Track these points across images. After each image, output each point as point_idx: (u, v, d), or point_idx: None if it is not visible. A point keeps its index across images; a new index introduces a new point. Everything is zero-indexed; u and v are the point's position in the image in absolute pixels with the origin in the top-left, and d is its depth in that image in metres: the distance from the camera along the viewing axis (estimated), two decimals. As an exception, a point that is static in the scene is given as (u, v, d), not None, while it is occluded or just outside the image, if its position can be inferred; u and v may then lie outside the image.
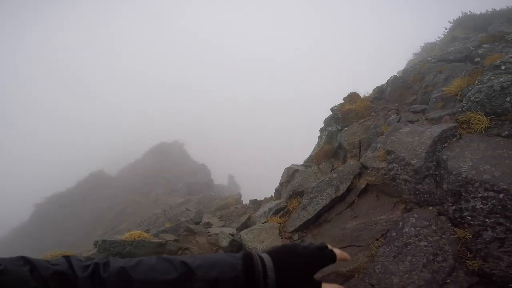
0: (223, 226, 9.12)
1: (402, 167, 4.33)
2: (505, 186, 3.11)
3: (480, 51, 6.99)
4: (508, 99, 3.54)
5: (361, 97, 8.99)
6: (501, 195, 3.12)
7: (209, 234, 6.45)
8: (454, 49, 8.32)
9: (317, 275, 0.77)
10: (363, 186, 5.52)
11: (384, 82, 9.18)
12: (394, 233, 4.07)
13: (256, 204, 10.61)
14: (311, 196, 5.95)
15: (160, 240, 5.34)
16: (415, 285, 3.40)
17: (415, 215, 4.09)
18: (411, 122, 5.49)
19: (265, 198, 11.28)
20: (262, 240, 5.29)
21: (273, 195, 10.16)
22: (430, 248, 3.61)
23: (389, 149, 4.70)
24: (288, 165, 9.35)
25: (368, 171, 5.58)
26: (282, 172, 9.36)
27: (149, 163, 30.10)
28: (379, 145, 5.90)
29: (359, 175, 5.79)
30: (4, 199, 43.48)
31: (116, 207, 22.12)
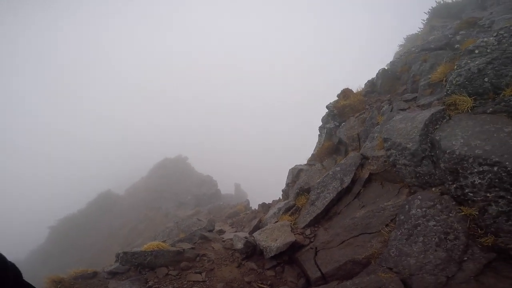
0: (236, 232, 9.27)
1: (399, 152, 4.56)
2: (497, 159, 3.31)
3: (458, 37, 7.31)
4: (486, 79, 3.82)
5: (354, 92, 9.22)
6: (495, 168, 3.30)
7: (223, 240, 6.62)
8: (434, 38, 8.62)
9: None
10: (366, 176, 5.69)
11: (375, 75, 9.43)
12: (403, 217, 4.24)
13: (265, 207, 10.78)
14: (318, 191, 6.13)
15: (178, 249, 5.53)
16: (432, 265, 3.54)
17: (419, 196, 4.26)
18: (403, 110, 5.73)
19: (273, 200, 11.45)
20: (275, 238, 5.47)
21: (281, 197, 10.35)
22: (440, 227, 3.76)
23: (385, 136, 4.93)
24: (292, 166, 9.54)
25: (369, 160, 5.77)
26: (287, 174, 9.55)
27: (155, 180, 30.43)
28: (376, 134, 6.10)
29: (361, 166, 5.97)
30: (18, 224, 43.91)
31: (129, 224, 22.44)
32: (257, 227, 7.85)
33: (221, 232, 8.21)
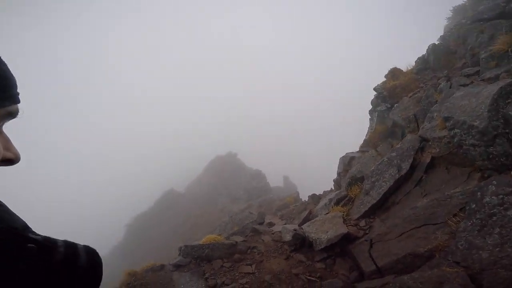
0: (285, 224, 9.29)
1: (465, 131, 3.96)
2: None
3: (512, 5, 6.34)
4: None
5: (404, 71, 8.62)
6: None
7: (272, 232, 6.66)
8: (485, 8, 7.77)
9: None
10: (428, 160, 5.14)
11: (424, 52, 8.73)
12: (474, 205, 3.73)
13: (315, 198, 10.51)
14: (373, 180, 5.73)
15: (231, 242, 5.77)
16: (511, 259, 3.01)
17: (494, 182, 3.67)
18: (464, 85, 5.04)
19: (324, 191, 11.10)
20: (326, 230, 5.29)
21: (333, 187, 9.97)
22: (523, 216, 3.21)
23: (446, 115, 4.34)
24: (343, 154, 9.10)
25: (430, 143, 5.19)
26: (338, 162, 9.15)
27: (209, 177, 32.37)
28: (435, 114, 5.48)
29: (421, 149, 5.40)
30: (101, 222, 51.40)
31: (190, 220, 24.42)
32: (307, 219, 7.71)
33: (271, 224, 8.29)
